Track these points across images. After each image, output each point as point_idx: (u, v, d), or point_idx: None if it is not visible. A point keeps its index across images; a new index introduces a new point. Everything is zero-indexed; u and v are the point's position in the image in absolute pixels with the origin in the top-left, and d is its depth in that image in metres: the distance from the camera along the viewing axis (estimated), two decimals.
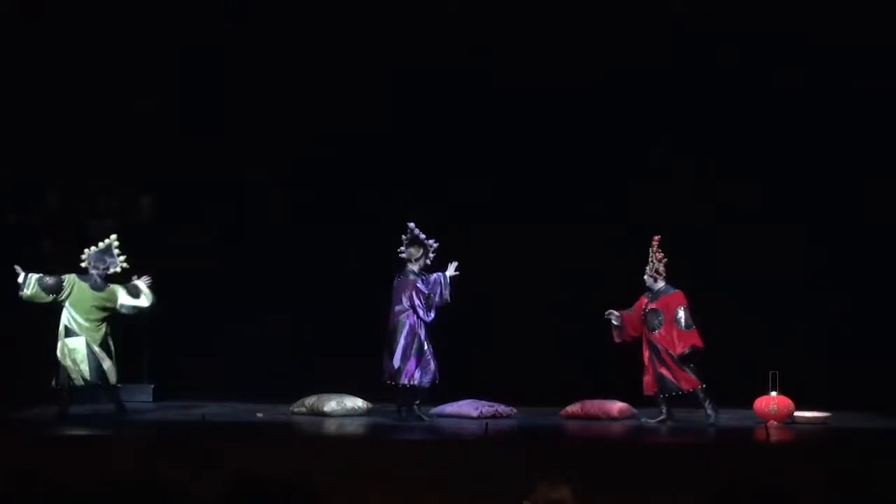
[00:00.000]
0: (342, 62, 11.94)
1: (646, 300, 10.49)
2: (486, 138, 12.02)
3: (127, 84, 11.99)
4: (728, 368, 10.93)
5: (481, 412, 10.43)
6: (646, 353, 10.41)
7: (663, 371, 10.27)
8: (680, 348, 10.22)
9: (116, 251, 10.82)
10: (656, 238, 10.58)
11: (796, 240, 11.58)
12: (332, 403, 10.77)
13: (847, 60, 11.36)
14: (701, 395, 10.21)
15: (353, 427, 10.21)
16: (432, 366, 10.39)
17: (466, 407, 10.57)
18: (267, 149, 12.31)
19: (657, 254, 10.51)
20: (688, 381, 10.22)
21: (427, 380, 10.37)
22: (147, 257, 11.64)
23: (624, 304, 10.69)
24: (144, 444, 9.04)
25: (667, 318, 10.32)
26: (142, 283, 10.79)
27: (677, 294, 10.42)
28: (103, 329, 10.65)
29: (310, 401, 10.89)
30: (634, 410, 10.57)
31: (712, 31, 11.56)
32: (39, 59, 11.95)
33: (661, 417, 10.29)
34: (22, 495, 4.20)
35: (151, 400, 12.01)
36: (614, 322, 10.51)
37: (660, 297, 10.44)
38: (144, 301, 10.75)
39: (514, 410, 10.71)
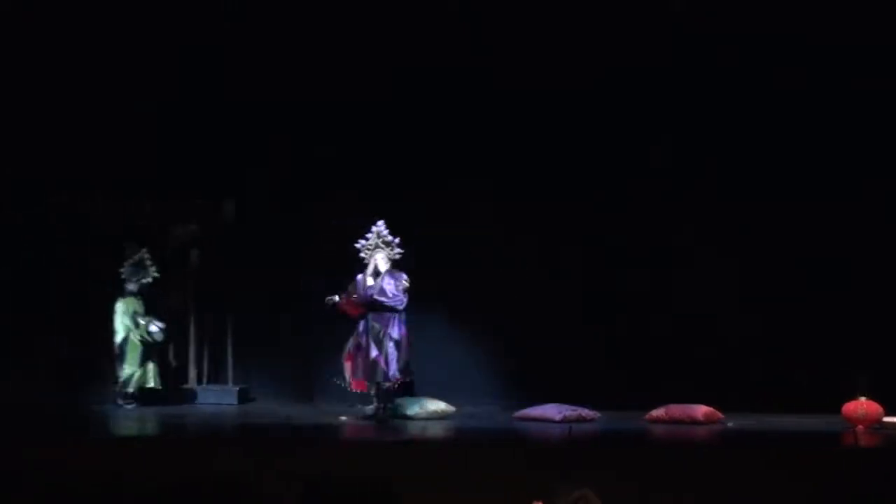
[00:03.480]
0: (342, 62, 11.95)
1: None
2: (486, 138, 12.02)
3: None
4: (818, 372, 11.06)
5: (564, 416, 10.36)
6: None
7: None
8: None
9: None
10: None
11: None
12: (415, 407, 10.76)
13: (847, 60, 11.36)
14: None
15: (436, 430, 10.16)
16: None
17: (550, 410, 10.48)
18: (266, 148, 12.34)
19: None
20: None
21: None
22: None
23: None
24: (228, 446, 9.02)
25: None
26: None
27: None
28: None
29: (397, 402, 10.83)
30: (720, 415, 10.49)
31: (712, 31, 11.55)
32: (109, 64, 11.97)
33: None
34: (102, 495, 4.22)
35: (236, 402, 12.13)
36: (335, 300, 10.88)
37: None
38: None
39: (598, 414, 10.61)
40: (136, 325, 11.86)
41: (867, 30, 11.17)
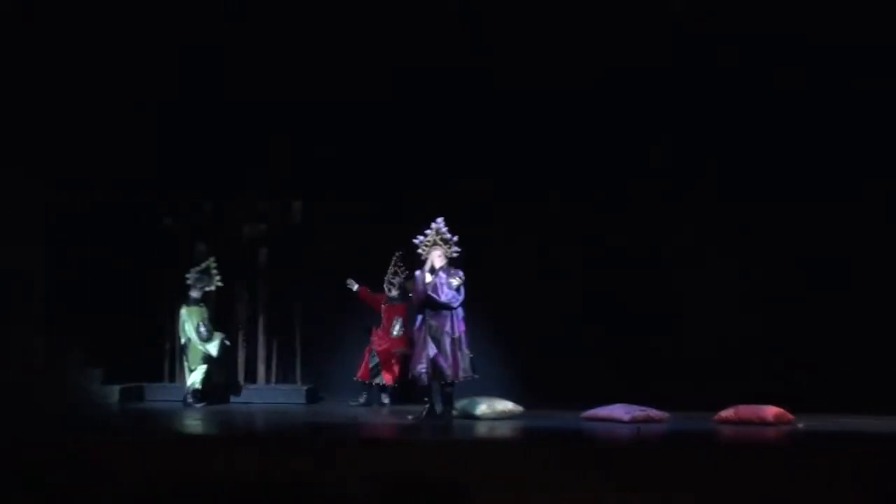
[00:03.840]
0: (342, 62, 11.97)
1: (382, 301, 12.27)
2: (486, 138, 12.04)
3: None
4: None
5: (633, 416, 10.28)
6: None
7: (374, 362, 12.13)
8: (381, 349, 12.09)
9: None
10: (398, 253, 11.96)
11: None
12: (483, 407, 10.71)
13: (847, 60, 11.34)
14: (386, 389, 12.17)
15: (504, 430, 10.04)
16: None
17: (618, 410, 10.40)
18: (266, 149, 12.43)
19: (396, 267, 12.10)
20: (363, 370, 12.12)
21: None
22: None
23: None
24: (299, 446, 8.92)
25: (385, 323, 12.17)
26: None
27: (399, 307, 12.10)
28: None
29: (461, 404, 10.80)
30: (790, 416, 10.33)
31: (712, 31, 11.53)
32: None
33: (362, 402, 12.08)
34: (175, 493, 4.24)
35: (305, 402, 12.26)
36: (353, 289, 12.23)
37: (390, 304, 12.20)
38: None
39: (667, 415, 10.50)
40: (199, 334, 12.06)
41: (867, 30, 11.14)
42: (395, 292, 12.24)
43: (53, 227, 12.11)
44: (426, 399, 10.46)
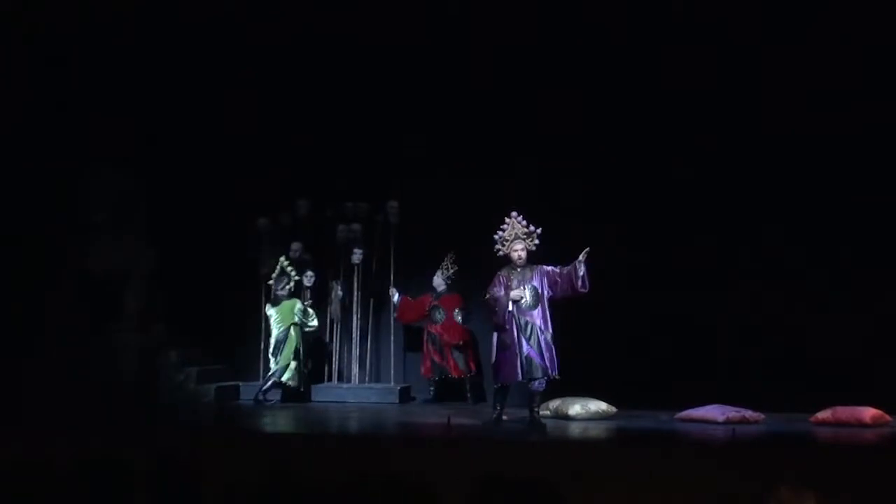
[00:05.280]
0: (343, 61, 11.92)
1: (430, 298, 12.47)
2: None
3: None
4: None
5: (728, 417, 10.09)
6: (425, 343, 12.46)
7: (436, 358, 12.33)
8: (455, 339, 12.27)
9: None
10: (451, 254, 12.41)
11: None
12: (577, 407, 10.54)
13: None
14: (467, 384, 12.29)
15: (597, 431, 9.89)
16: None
17: (713, 411, 10.24)
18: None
19: (451, 263, 12.44)
20: (455, 369, 12.27)
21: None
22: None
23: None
24: (390, 445, 8.87)
25: (448, 314, 12.37)
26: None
27: (454, 296, 12.43)
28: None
29: (554, 404, 10.61)
30: (888, 417, 10.04)
31: None
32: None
33: (429, 398, 12.34)
34: (272, 493, 4.12)
35: (398, 402, 12.21)
36: (393, 300, 12.52)
37: (442, 297, 12.43)
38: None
39: (763, 416, 10.27)
40: (303, 317, 12.28)
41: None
42: (442, 287, 12.49)
43: (152, 226, 11.96)
44: (497, 406, 9.96)
